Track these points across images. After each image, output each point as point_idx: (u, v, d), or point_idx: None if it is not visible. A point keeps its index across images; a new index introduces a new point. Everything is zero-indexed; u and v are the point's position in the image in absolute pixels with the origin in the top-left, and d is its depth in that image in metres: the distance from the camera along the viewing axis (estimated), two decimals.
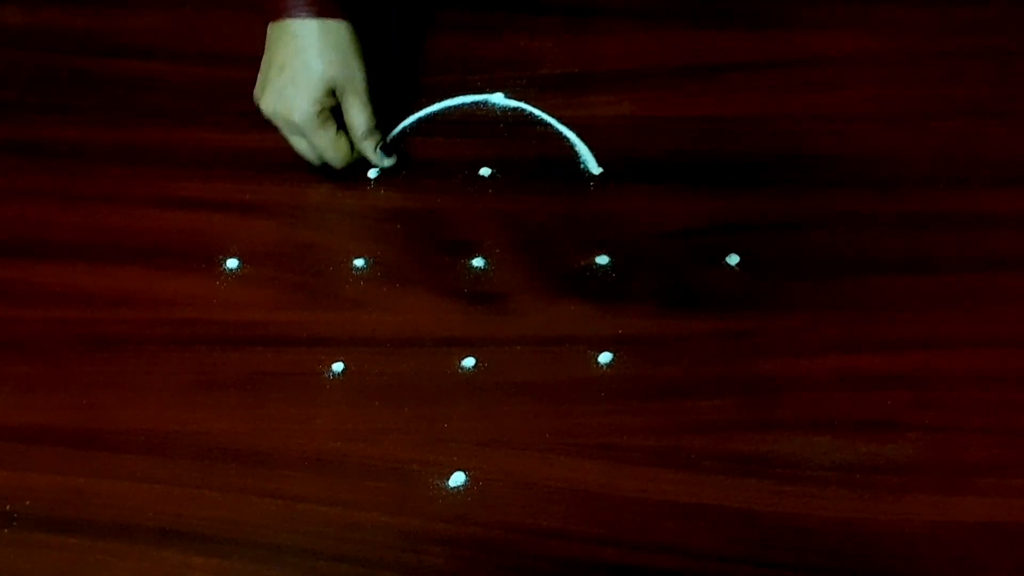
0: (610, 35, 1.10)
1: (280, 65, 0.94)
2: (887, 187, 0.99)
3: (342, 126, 0.97)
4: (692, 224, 0.97)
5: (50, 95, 1.02)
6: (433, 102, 1.04)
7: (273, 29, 0.94)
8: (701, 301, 0.92)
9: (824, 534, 0.80)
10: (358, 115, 0.96)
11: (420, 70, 1.07)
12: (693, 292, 0.92)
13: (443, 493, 0.82)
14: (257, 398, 0.87)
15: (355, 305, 0.92)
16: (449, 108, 1.04)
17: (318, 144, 0.96)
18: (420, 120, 1.03)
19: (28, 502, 0.81)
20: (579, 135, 1.02)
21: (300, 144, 0.96)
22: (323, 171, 0.99)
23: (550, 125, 1.03)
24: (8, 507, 0.81)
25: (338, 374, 0.88)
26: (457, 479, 0.82)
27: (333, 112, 0.96)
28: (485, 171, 1.00)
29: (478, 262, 0.94)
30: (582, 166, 1.00)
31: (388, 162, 0.99)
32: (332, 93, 0.94)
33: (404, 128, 1.02)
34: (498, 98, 1.04)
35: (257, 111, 0.96)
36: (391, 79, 1.06)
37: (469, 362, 0.88)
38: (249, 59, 1.01)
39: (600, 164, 1.00)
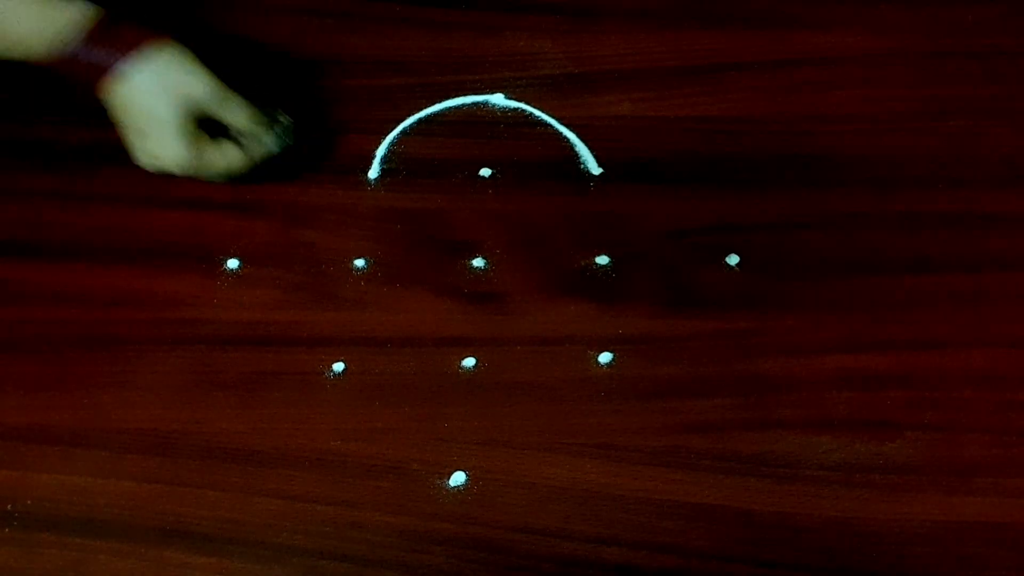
0: (610, 35, 1.10)
1: (134, 128, 0.91)
2: (887, 187, 0.99)
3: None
4: (692, 224, 0.97)
5: (50, 95, 1.02)
6: (433, 102, 1.04)
7: (103, 95, 0.90)
8: (701, 301, 0.92)
9: (823, 534, 0.80)
10: (234, 118, 0.92)
11: (420, 70, 1.07)
12: (693, 292, 0.92)
13: (443, 493, 0.82)
14: (257, 398, 0.87)
15: (355, 305, 0.92)
16: (449, 108, 1.04)
17: (215, 171, 0.93)
18: (420, 120, 1.03)
19: (29, 502, 0.81)
20: (579, 135, 1.02)
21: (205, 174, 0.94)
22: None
23: (550, 125, 1.03)
24: (9, 507, 0.81)
25: (338, 374, 0.88)
26: (457, 479, 0.82)
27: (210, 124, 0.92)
28: (485, 171, 1.00)
29: (478, 262, 0.94)
30: (582, 166, 1.00)
31: (288, 140, 0.95)
32: (193, 115, 0.90)
33: (404, 128, 1.02)
34: (498, 98, 1.04)
35: None
36: (391, 79, 1.06)
37: (469, 362, 0.88)
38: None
39: (600, 164, 1.00)
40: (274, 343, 0.89)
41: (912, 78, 1.07)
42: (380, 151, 1.01)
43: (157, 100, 0.89)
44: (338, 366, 0.88)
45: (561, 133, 1.02)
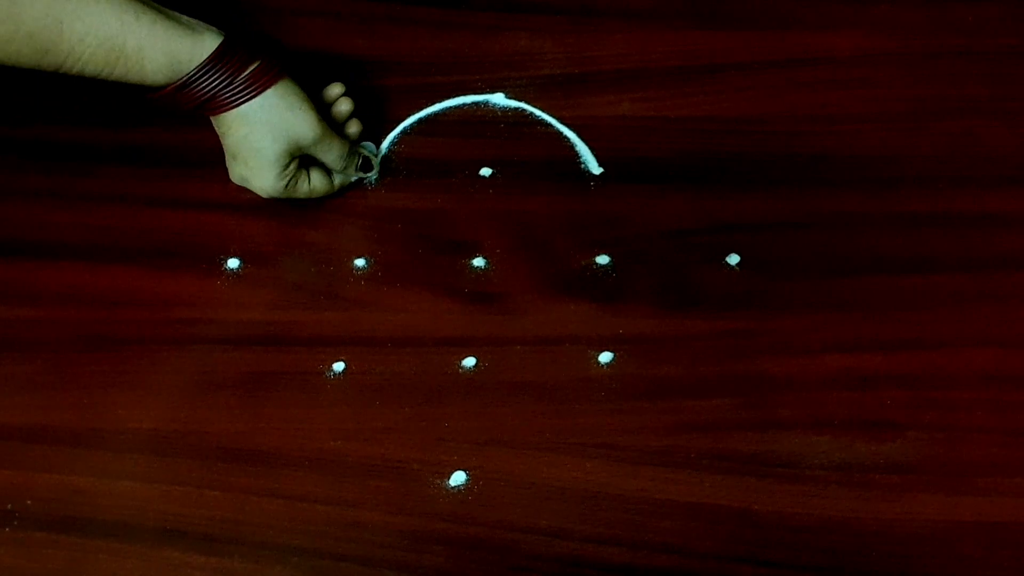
0: (610, 35, 1.10)
1: (233, 154, 0.92)
2: (887, 187, 0.99)
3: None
4: (692, 224, 0.97)
5: (50, 95, 1.02)
6: (433, 102, 1.04)
7: (215, 119, 0.91)
8: (701, 301, 0.92)
9: (823, 533, 0.80)
10: (326, 156, 0.93)
11: (420, 70, 1.07)
12: (693, 292, 0.92)
13: (443, 492, 0.82)
14: (257, 398, 0.87)
15: (355, 305, 0.92)
16: (449, 108, 1.04)
17: (300, 196, 0.95)
18: (420, 120, 1.03)
19: (29, 502, 0.81)
20: (579, 135, 1.02)
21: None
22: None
23: (550, 125, 1.03)
24: (9, 507, 0.81)
25: (338, 374, 0.88)
26: (457, 479, 0.82)
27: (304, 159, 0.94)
28: (485, 171, 1.00)
29: (478, 262, 0.94)
30: (582, 166, 1.00)
31: (372, 175, 0.98)
32: (292, 154, 0.92)
33: (404, 129, 1.02)
34: (498, 98, 1.04)
35: None
36: (391, 79, 1.06)
37: (469, 362, 0.88)
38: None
39: (600, 164, 1.00)
40: (274, 343, 0.89)
41: (912, 78, 1.07)
42: (380, 151, 1.01)
43: (265, 138, 0.90)
44: (338, 366, 0.88)
45: (561, 133, 1.02)
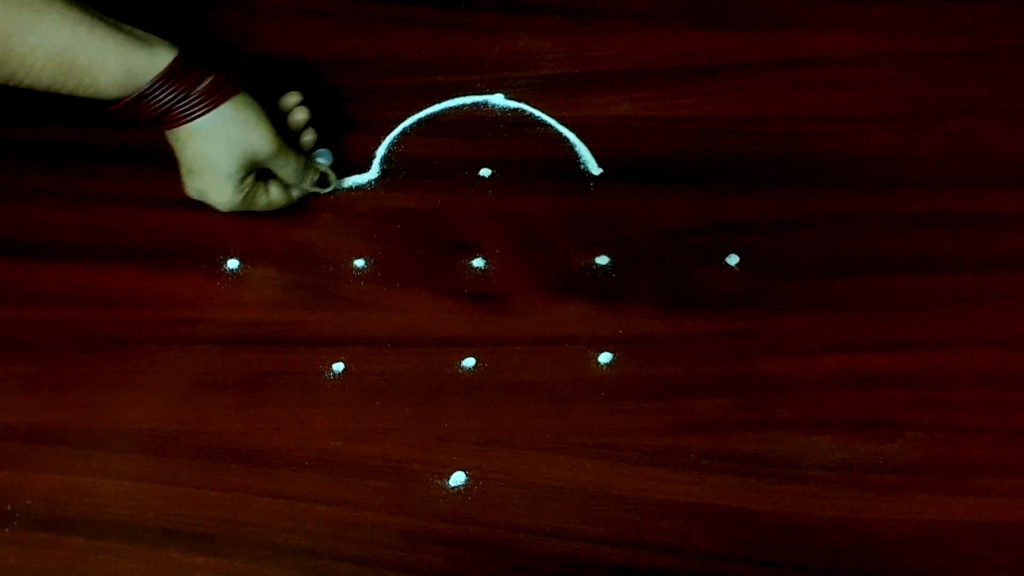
0: (610, 35, 1.10)
1: (189, 168, 0.91)
2: (887, 187, 0.99)
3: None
4: (692, 224, 0.97)
5: (50, 95, 1.02)
6: (433, 102, 1.04)
7: (169, 133, 0.90)
8: (701, 301, 0.92)
9: (823, 533, 0.80)
10: (282, 170, 0.93)
11: (420, 70, 1.07)
12: (693, 292, 0.92)
13: (443, 492, 0.82)
14: (257, 398, 0.87)
15: (355, 305, 0.92)
16: (449, 108, 1.04)
17: (259, 209, 0.94)
18: (420, 120, 1.03)
19: (28, 502, 0.81)
20: (579, 135, 1.02)
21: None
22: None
23: (550, 125, 1.03)
24: (8, 507, 0.81)
25: (338, 374, 0.88)
26: (457, 479, 0.82)
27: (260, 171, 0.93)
28: (485, 171, 1.00)
29: (478, 262, 0.94)
30: (582, 166, 1.00)
31: (327, 190, 0.97)
32: (248, 168, 0.91)
33: (404, 129, 1.02)
34: (498, 98, 1.04)
35: None
36: (391, 79, 1.06)
37: (469, 362, 0.88)
38: (248, 59, 1.01)
39: (600, 164, 1.00)
40: (274, 343, 0.89)
41: (912, 78, 1.07)
42: (380, 151, 1.01)
43: (221, 152, 0.89)
44: (338, 366, 0.88)
45: (561, 133, 1.02)
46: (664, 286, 0.93)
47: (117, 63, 0.85)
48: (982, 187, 0.99)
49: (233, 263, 0.94)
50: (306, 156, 0.96)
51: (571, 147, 1.01)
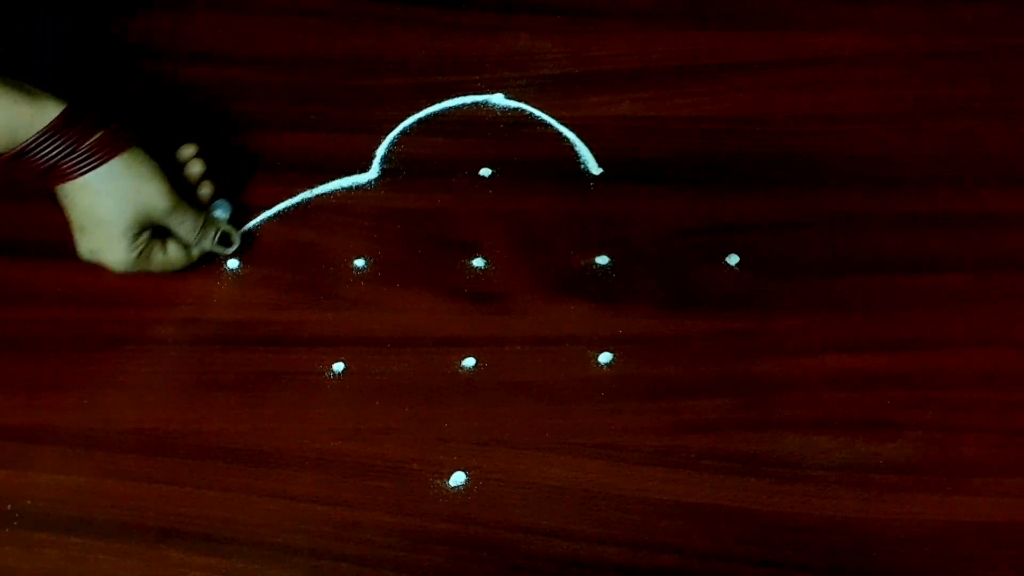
0: (610, 35, 1.10)
1: (80, 226, 0.87)
2: (887, 187, 0.99)
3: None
4: (692, 224, 0.97)
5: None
6: (433, 102, 1.04)
7: (59, 189, 0.86)
8: (701, 301, 0.92)
9: (823, 533, 0.80)
10: (178, 228, 0.90)
11: (420, 70, 1.07)
12: (693, 292, 0.92)
13: (443, 493, 0.82)
14: (257, 398, 0.87)
15: (355, 305, 0.92)
16: (449, 108, 1.04)
17: (156, 270, 0.90)
18: (420, 120, 1.03)
19: (29, 502, 0.81)
20: (579, 135, 1.02)
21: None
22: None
23: (550, 125, 1.03)
24: (9, 507, 0.81)
25: (338, 374, 0.88)
26: (457, 479, 0.82)
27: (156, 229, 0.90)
28: (485, 171, 1.00)
29: (478, 262, 0.94)
30: (582, 166, 1.00)
31: (230, 250, 0.93)
32: (143, 225, 0.88)
33: (404, 128, 1.02)
34: (498, 98, 1.04)
35: None
36: (391, 79, 1.06)
37: (469, 362, 0.88)
38: (247, 60, 1.02)
39: (600, 164, 1.00)
40: (274, 343, 0.89)
41: (912, 78, 1.07)
42: (380, 151, 1.01)
43: (112, 209, 0.86)
44: (338, 366, 0.88)
45: (561, 133, 1.02)
46: (664, 286, 0.93)
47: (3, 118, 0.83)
48: (982, 187, 0.99)
49: (233, 263, 0.94)
50: (205, 210, 0.92)
51: (571, 147, 1.01)
